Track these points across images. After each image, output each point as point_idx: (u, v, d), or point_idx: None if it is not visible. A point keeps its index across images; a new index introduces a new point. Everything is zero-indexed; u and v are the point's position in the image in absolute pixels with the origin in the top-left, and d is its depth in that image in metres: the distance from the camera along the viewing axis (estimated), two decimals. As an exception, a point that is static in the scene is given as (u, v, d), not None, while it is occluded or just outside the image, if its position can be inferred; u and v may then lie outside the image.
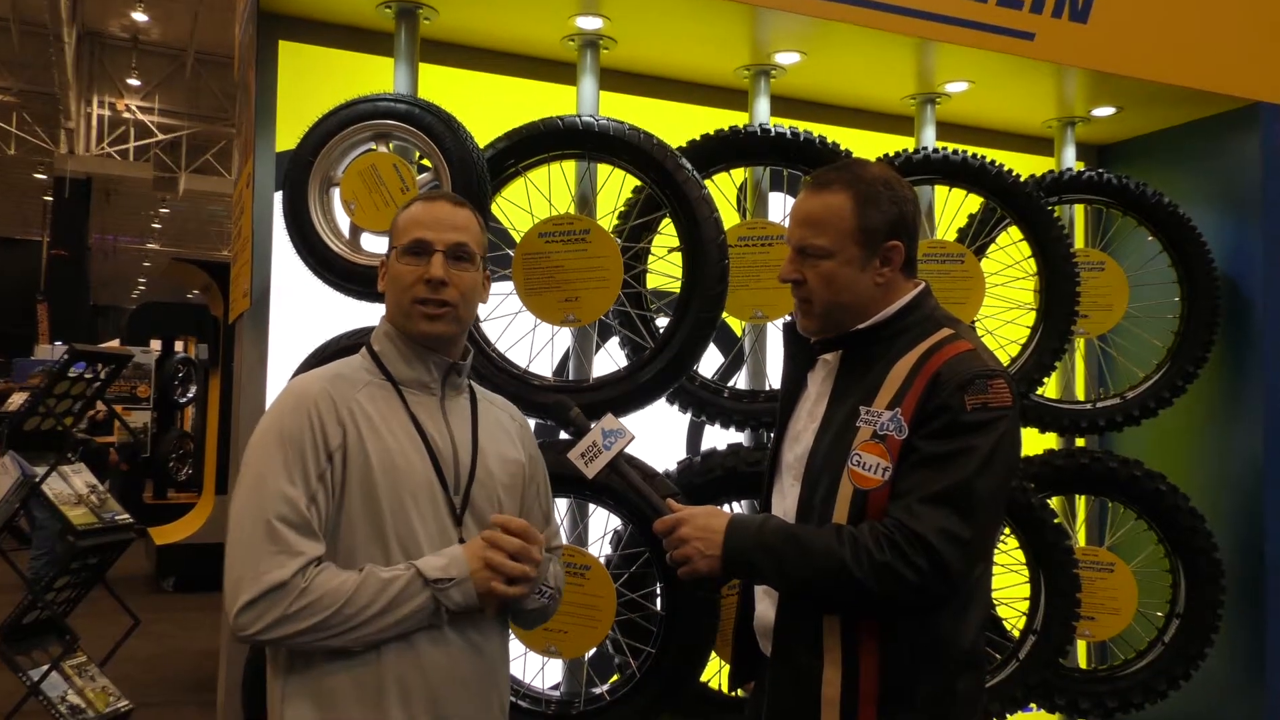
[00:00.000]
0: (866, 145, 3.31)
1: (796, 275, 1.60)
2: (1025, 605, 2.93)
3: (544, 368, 2.63)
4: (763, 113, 2.97)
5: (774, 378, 2.92)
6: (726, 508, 2.69)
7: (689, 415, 2.87)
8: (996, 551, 3.03)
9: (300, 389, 1.46)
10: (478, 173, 2.31)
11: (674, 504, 1.59)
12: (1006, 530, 2.92)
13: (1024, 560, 2.93)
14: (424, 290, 1.49)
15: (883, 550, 1.42)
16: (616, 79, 3.04)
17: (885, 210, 1.56)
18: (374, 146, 2.38)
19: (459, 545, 1.46)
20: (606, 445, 1.58)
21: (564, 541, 2.58)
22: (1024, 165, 3.44)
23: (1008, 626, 3.00)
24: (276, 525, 1.35)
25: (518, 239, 2.54)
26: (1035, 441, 3.36)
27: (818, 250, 1.57)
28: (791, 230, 1.62)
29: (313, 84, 2.68)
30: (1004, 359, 3.00)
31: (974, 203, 3.20)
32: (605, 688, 2.52)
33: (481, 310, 2.58)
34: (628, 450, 1.65)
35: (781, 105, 3.17)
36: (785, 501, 1.65)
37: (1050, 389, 3.40)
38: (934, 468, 1.44)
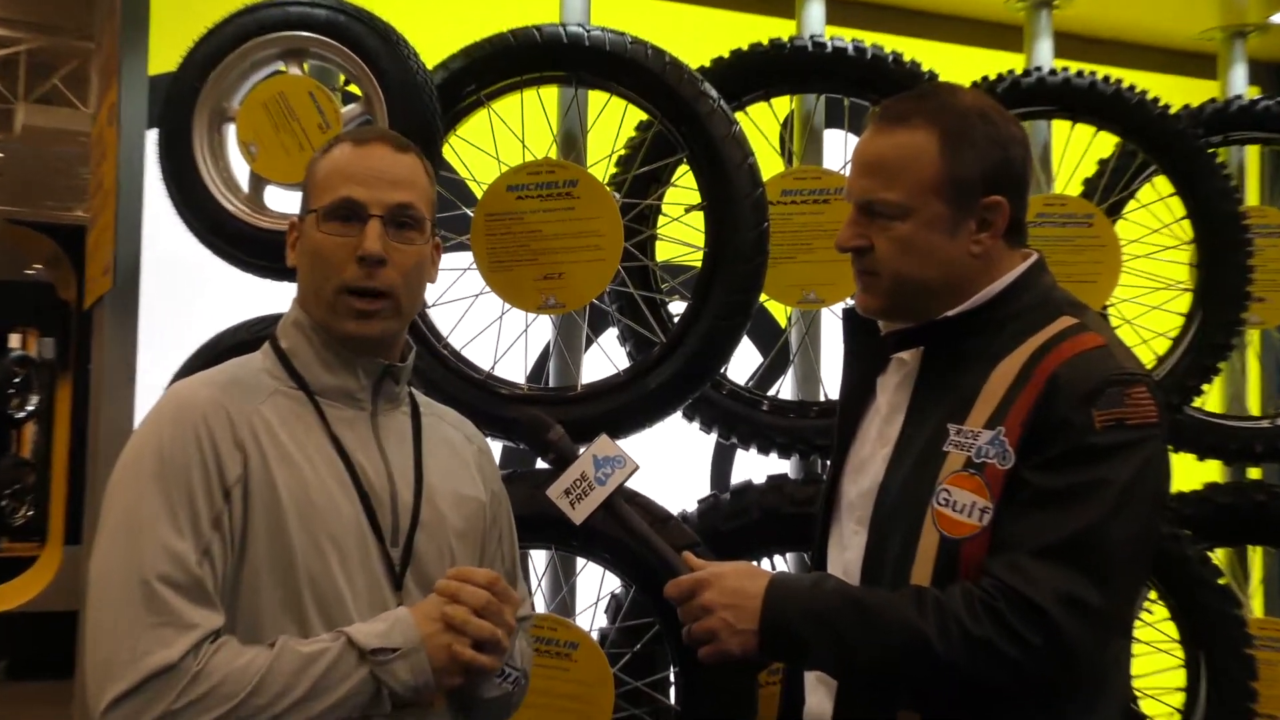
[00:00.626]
0: (959, 65, 3.31)
1: (860, 241, 1.60)
2: (1179, 698, 2.93)
3: (514, 370, 2.64)
4: (816, 21, 2.97)
5: (831, 384, 2.93)
6: (765, 564, 2.70)
7: (714, 436, 2.87)
8: (1137, 624, 3.03)
9: (183, 399, 1.46)
10: (425, 103, 2.32)
11: (693, 559, 1.59)
12: (1151, 594, 2.91)
13: (1176, 636, 2.93)
14: (354, 272, 1.49)
15: (980, 622, 1.41)
16: (615, -26, 3.04)
17: (983, 153, 1.56)
18: (283, 68, 2.39)
19: (403, 607, 1.46)
20: (600, 479, 1.59)
21: (539, 609, 2.59)
22: (1175, 92, 3.43)
23: (1154, 727, 3.01)
24: (159, 588, 1.34)
25: (479, 194, 2.54)
26: (1191, 472, 3.36)
27: (889, 208, 1.57)
28: (854, 180, 1.62)
29: (199, -18, 2.69)
30: (1147, 358, 3.00)
31: (1106, 144, 3.20)
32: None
33: (428, 292, 2.58)
34: (628, 485, 1.65)
35: (841, 10, 3.17)
36: (846, 554, 1.65)
37: (1212, 400, 3.40)
38: (1051, 509, 1.44)
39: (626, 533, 1.63)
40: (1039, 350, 1.52)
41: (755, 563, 2.61)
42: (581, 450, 1.63)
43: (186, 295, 2.72)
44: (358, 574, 1.46)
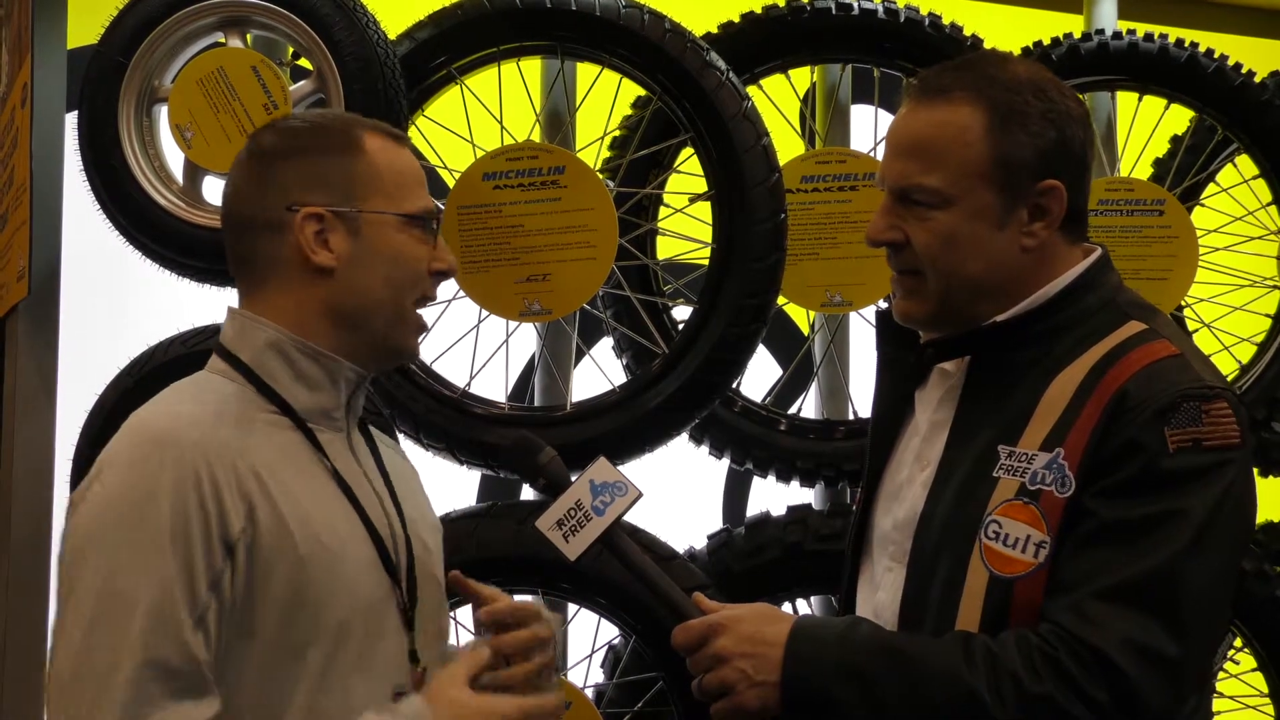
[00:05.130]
0: (1009, 29, 3.33)
1: (894, 234, 1.61)
2: (1269, 761, 2.94)
3: (493, 388, 2.66)
4: (840, -22, 2.99)
5: (861, 400, 2.94)
6: (786, 608, 2.71)
7: (726, 461, 2.88)
8: (1219, 676, 3.03)
9: (176, 441, 1.42)
10: (386, 79, 2.34)
11: (705, 601, 1.60)
12: (1235, 642, 2.92)
13: (1265, 690, 2.94)
14: (431, 286, 1.59)
15: (1039, 676, 1.42)
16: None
17: (1037, 132, 1.57)
18: (222, 39, 2.41)
19: (415, 698, 1.44)
20: (598, 508, 1.59)
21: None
22: (1261, 58, 3.43)
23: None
24: (147, 677, 1.32)
25: (450, 183, 2.56)
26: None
27: (929, 195, 1.58)
28: (888, 163, 1.63)
29: (124, -59, 2.70)
30: (1228, 367, 3.01)
31: (1179, 119, 3.21)
32: None
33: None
34: (626, 517, 1.66)
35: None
36: (879, 595, 1.66)
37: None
38: (1119, 544, 1.44)
39: (628, 571, 1.63)
40: (1103, 360, 1.53)
41: (775, 606, 2.62)
42: (574, 477, 1.64)
43: (112, 304, 2.73)
44: (379, 620, 1.49)
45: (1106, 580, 1.43)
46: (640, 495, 1.61)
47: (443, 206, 1.63)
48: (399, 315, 1.56)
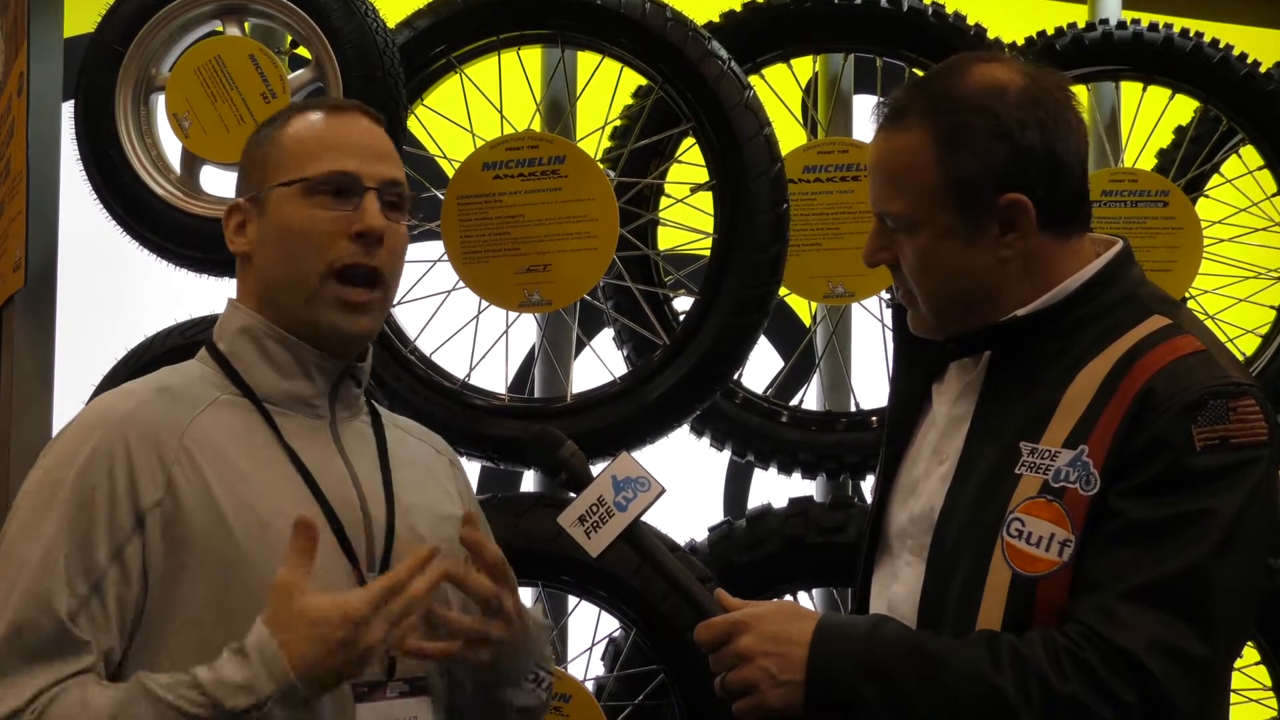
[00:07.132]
0: (1014, 18, 3.32)
1: (883, 255, 1.64)
2: (1272, 756, 2.94)
3: (493, 379, 2.66)
4: (842, -33, 2.98)
5: (861, 390, 2.94)
6: (787, 600, 2.71)
7: (726, 453, 2.88)
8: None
9: (98, 412, 1.49)
10: (385, 68, 2.33)
11: (728, 598, 1.59)
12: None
13: (1267, 684, 2.93)
14: (348, 249, 1.52)
15: (1066, 677, 1.41)
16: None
17: (982, 149, 1.55)
18: (220, 28, 2.41)
19: (263, 625, 1.37)
20: (620, 504, 1.58)
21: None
22: (1267, 48, 3.43)
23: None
24: (13, 640, 1.36)
25: (450, 173, 2.56)
26: None
27: (897, 221, 1.60)
28: (869, 187, 1.66)
29: (122, -72, 2.69)
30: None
31: (1184, 109, 3.21)
32: None
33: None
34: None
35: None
36: (897, 588, 1.66)
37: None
38: (1145, 544, 1.44)
39: (652, 568, 1.63)
40: (1127, 356, 1.52)
41: (777, 599, 2.62)
42: (598, 471, 1.63)
43: (110, 294, 2.73)
44: None
45: (1134, 581, 1.43)
46: (663, 491, 1.61)
47: (400, 177, 1.58)
48: (305, 290, 1.53)
